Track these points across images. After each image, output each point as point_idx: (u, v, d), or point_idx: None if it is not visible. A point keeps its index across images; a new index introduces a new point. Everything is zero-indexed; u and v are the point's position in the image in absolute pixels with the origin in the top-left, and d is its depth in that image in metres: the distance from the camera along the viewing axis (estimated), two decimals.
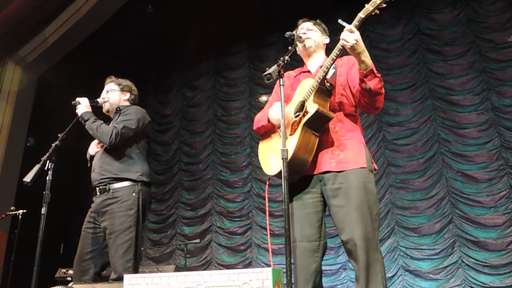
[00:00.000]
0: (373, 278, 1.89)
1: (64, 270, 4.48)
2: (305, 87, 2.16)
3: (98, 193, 2.72)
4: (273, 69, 1.98)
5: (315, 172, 2.11)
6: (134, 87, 3.08)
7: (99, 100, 2.95)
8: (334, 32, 2.36)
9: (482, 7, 6.25)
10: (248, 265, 6.58)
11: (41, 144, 4.61)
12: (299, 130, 2.07)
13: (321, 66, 2.16)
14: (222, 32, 7.23)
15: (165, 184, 7.95)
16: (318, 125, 2.09)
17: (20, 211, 4.77)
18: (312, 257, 2.03)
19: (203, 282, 1.62)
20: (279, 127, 2.23)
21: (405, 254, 5.71)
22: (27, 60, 6.95)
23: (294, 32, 2.24)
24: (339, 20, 1.99)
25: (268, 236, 2.38)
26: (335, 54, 2.02)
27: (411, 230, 5.79)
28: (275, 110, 2.22)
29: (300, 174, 2.10)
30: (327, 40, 2.43)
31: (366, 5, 1.94)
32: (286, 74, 2.34)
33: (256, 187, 7.07)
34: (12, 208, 4.87)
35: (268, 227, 2.26)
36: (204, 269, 6.76)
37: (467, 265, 5.34)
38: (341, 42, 1.97)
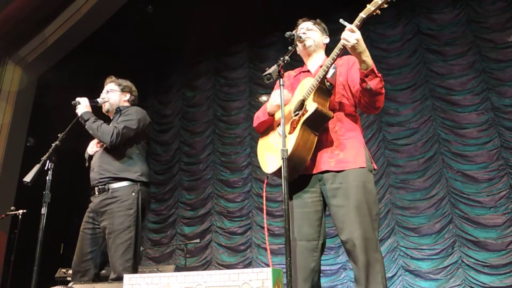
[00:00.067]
0: (373, 278, 1.89)
1: (64, 270, 4.48)
2: (305, 86, 2.16)
3: (96, 193, 2.72)
4: (273, 69, 1.98)
5: (315, 172, 2.12)
6: (134, 88, 3.09)
7: (99, 100, 2.95)
8: (335, 32, 2.36)
9: (482, 7, 6.25)
10: (248, 265, 6.58)
11: (41, 144, 4.61)
12: (298, 129, 2.07)
13: (321, 66, 2.16)
14: (222, 32, 7.23)
15: (165, 184, 7.95)
16: (317, 124, 2.09)
17: (20, 211, 4.77)
18: (311, 256, 2.04)
19: (203, 282, 1.62)
20: (278, 125, 2.23)
21: (405, 254, 5.71)
22: (27, 60, 6.96)
23: (294, 32, 2.24)
24: (341, 20, 1.99)
25: (266, 235, 2.38)
26: (336, 54, 2.02)
27: (411, 230, 5.79)
28: (273, 99, 2.24)
29: (298, 173, 2.10)
30: (327, 40, 2.43)
31: (367, 5, 1.94)
32: (286, 74, 2.34)
33: (256, 187, 7.07)
34: (12, 208, 4.87)
35: (265, 225, 2.26)
36: (204, 269, 6.76)
37: (467, 265, 5.34)
38: (342, 41, 1.97)
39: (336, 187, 2.04)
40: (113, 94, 2.98)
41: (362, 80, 1.99)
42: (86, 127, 2.79)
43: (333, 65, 2.09)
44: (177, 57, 8.23)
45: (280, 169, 1.93)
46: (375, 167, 2.18)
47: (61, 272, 4.49)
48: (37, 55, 6.91)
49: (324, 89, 2.12)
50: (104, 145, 2.79)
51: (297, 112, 2.14)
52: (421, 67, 6.44)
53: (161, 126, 8.45)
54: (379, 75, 1.99)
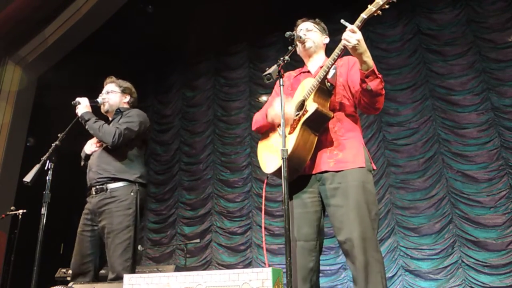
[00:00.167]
0: (373, 278, 1.88)
1: (64, 270, 4.48)
2: (306, 86, 2.16)
3: (94, 193, 2.71)
4: (273, 69, 1.98)
5: (314, 172, 2.12)
6: (134, 90, 3.09)
7: (99, 100, 2.94)
8: (335, 32, 2.37)
9: (482, 7, 6.25)
10: (248, 265, 6.58)
11: (41, 144, 4.61)
12: (298, 129, 2.07)
13: (321, 66, 2.16)
14: (222, 32, 7.22)
15: (165, 184, 7.95)
16: (317, 124, 2.09)
17: (20, 211, 4.77)
18: (309, 256, 2.03)
19: (203, 282, 1.62)
20: (278, 126, 2.23)
21: (405, 254, 5.71)
22: (27, 60, 6.96)
23: (294, 32, 2.24)
24: (342, 21, 1.99)
25: (263, 234, 2.40)
26: (337, 54, 2.02)
27: (411, 230, 5.79)
28: (274, 107, 2.22)
29: (298, 173, 2.10)
30: (327, 40, 2.42)
31: (369, 5, 1.94)
32: (286, 74, 2.34)
33: (256, 187, 7.07)
34: (12, 208, 4.87)
35: (263, 225, 2.26)
36: (204, 269, 6.76)
37: (467, 265, 5.34)
38: (343, 42, 1.96)
39: (335, 187, 2.04)
40: (114, 95, 2.97)
41: (363, 81, 1.99)
42: (86, 127, 2.78)
43: (334, 65, 2.09)
44: (177, 57, 8.23)
45: (279, 169, 1.93)
46: (374, 167, 2.17)
47: (61, 272, 4.50)
48: (37, 55, 6.91)
49: (325, 89, 2.12)
50: (104, 146, 2.79)
51: (297, 113, 2.14)
52: (421, 67, 6.44)
53: (161, 126, 8.45)
54: (380, 76, 1.99)
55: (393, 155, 6.27)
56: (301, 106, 2.13)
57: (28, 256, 3.20)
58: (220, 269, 6.37)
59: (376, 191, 5.97)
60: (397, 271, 5.68)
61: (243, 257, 6.76)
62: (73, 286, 2.44)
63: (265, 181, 2.39)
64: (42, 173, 2.62)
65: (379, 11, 1.92)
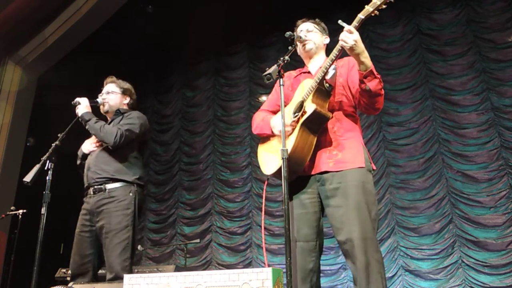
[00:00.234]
0: (373, 278, 1.88)
1: (64, 270, 4.48)
2: (305, 87, 2.16)
3: (92, 193, 2.70)
4: (273, 69, 1.98)
5: (313, 172, 2.12)
6: (133, 91, 3.09)
7: (99, 100, 2.94)
8: (334, 32, 2.36)
9: (482, 7, 6.25)
10: (248, 265, 6.58)
11: (41, 144, 4.61)
12: (297, 130, 2.07)
13: (321, 67, 2.16)
14: (222, 32, 7.22)
15: (165, 184, 7.95)
16: (316, 125, 2.09)
17: (20, 211, 4.77)
18: (309, 257, 2.03)
19: (203, 282, 1.62)
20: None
21: (405, 254, 5.71)
22: (27, 60, 6.96)
23: (294, 33, 2.24)
24: (339, 21, 1.99)
25: (263, 234, 2.39)
26: (335, 55, 2.02)
27: (411, 230, 5.79)
28: (277, 119, 2.21)
29: (297, 174, 2.10)
30: (327, 40, 2.42)
31: (366, 6, 1.94)
32: (286, 74, 2.34)
33: (256, 187, 7.07)
34: (12, 208, 4.87)
35: (262, 225, 2.27)
36: (204, 269, 6.76)
37: (467, 265, 5.34)
38: (340, 43, 1.97)
39: (334, 187, 2.04)
40: (114, 96, 2.97)
41: (361, 81, 1.99)
42: (87, 127, 2.78)
43: (334, 66, 2.09)
44: (177, 57, 8.23)
45: (278, 170, 1.92)
46: (374, 168, 2.17)
47: (61, 272, 4.50)
48: (37, 55, 6.91)
49: (323, 90, 2.12)
50: (103, 146, 2.78)
51: (296, 113, 2.14)
52: (421, 67, 6.44)
53: (161, 126, 8.45)
54: (378, 76, 1.99)
55: (393, 155, 6.27)
56: (300, 106, 2.13)
57: (28, 256, 3.20)
58: (220, 269, 6.37)
59: (376, 191, 5.99)
60: (397, 271, 5.68)
61: (243, 257, 6.76)
62: (73, 286, 2.44)
63: (266, 182, 2.39)
64: (42, 173, 2.62)
65: (376, 12, 1.92)
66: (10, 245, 5.22)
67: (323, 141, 2.13)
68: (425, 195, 5.87)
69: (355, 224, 1.94)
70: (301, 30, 2.37)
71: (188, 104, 8.31)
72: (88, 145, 2.89)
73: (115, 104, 2.97)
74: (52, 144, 2.70)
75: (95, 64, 5.93)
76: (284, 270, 1.71)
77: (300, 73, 2.38)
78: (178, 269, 4.95)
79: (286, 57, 2.03)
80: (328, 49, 2.31)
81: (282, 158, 1.88)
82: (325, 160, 2.09)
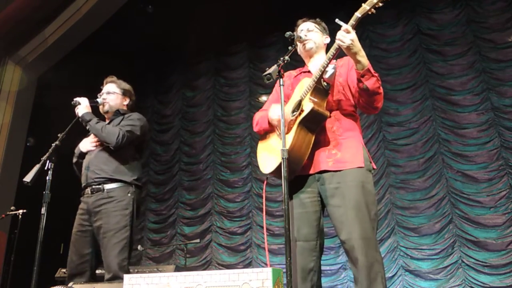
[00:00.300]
0: (373, 278, 1.89)
1: (64, 270, 4.48)
2: (304, 86, 2.16)
3: (90, 193, 2.70)
4: (273, 69, 1.98)
5: (312, 172, 2.11)
6: (133, 92, 3.10)
7: (99, 100, 2.94)
8: (334, 32, 2.36)
9: (482, 7, 6.25)
10: (248, 265, 6.58)
11: (41, 144, 4.61)
12: (295, 128, 2.07)
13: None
14: (222, 32, 7.23)
15: (165, 184, 7.95)
16: (313, 124, 2.09)
17: (20, 211, 4.77)
18: (310, 256, 2.03)
19: (203, 282, 1.62)
20: (278, 127, 2.23)
21: (405, 254, 5.71)
22: (27, 60, 6.95)
23: (294, 32, 2.24)
24: (337, 20, 1.99)
25: (265, 234, 2.39)
26: (332, 54, 2.03)
27: (411, 230, 5.79)
28: (274, 111, 2.22)
29: (295, 173, 2.10)
30: (328, 40, 2.42)
31: (363, 4, 1.95)
32: (287, 73, 2.34)
33: (256, 187, 7.07)
34: (12, 208, 4.87)
35: (264, 225, 2.27)
36: (204, 269, 6.76)
37: (467, 265, 5.34)
38: (337, 42, 1.97)
39: (334, 187, 2.04)
40: (114, 96, 2.97)
41: (359, 80, 2.00)
42: (88, 127, 2.79)
43: (333, 65, 2.09)
44: (177, 57, 8.23)
45: (276, 169, 1.92)
46: (374, 167, 2.17)
47: (61, 272, 4.50)
48: (37, 55, 6.91)
49: (321, 89, 2.11)
50: (103, 146, 2.78)
51: (294, 112, 2.14)
52: (421, 67, 6.44)
53: (161, 126, 8.45)
54: (376, 74, 2.00)
55: (393, 155, 6.27)
56: (298, 106, 2.13)
57: (28, 256, 3.20)
58: (220, 269, 6.37)
59: (376, 191, 5.99)
60: (397, 271, 5.68)
61: (243, 257, 6.76)
62: (73, 286, 2.44)
63: (265, 182, 2.39)
64: (42, 173, 2.62)
65: (373, 10, 1.93)
66: (10, 245, 5.22)
67: (322, 140, 2.13)
68: (425, 195, 5.87)
69: (355, 224, 1.94)
70: (302, 30, 2.37)
71: (188, 104, 8.31)
72: (87, 144, 2.88)
73: (115, 105, 2.97)
74: (52, 144, 2.69)
75: (95, 64, 5.93)
76: (284, 270, 1.71)
77: (300, 73, 2.39)
78: (178, 269, 4.95)
79: (286, 57, 2.03)
80: (329, 49, 2.31)
81: (282, 158, 1.88)
82: (324, 160, 2.09)
